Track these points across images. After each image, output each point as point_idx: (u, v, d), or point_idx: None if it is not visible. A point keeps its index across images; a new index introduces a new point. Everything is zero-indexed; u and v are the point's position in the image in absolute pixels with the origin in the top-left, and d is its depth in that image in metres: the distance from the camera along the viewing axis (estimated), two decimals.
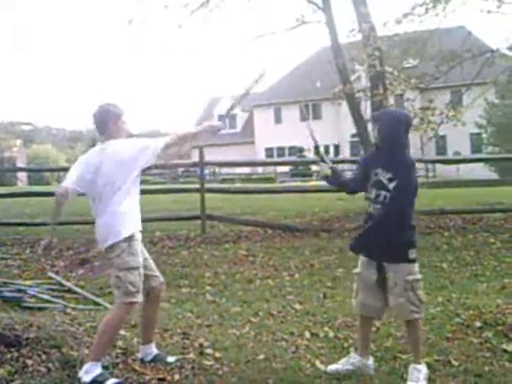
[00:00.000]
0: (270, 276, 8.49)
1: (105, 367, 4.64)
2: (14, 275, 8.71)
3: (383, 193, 4.59)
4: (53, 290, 7.67)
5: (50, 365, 4.69)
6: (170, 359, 4.98)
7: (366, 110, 15.61)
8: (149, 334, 5.08)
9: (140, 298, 4.72)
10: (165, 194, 15.60)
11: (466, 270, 8.59)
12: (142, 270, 4.75)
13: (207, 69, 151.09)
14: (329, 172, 5.07)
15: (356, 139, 23.28)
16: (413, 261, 4.60)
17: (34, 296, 7.18)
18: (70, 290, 7.71)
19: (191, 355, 5.13)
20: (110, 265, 4.77)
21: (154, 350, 5.03)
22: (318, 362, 5.03)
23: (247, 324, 6.13)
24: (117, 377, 4.59)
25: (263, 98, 51.59)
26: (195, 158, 11.62)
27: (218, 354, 5.16)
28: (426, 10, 13.67)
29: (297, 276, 8.47)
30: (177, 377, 4.68)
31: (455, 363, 4.95)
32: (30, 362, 4.69)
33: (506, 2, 14.01)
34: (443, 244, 10.22)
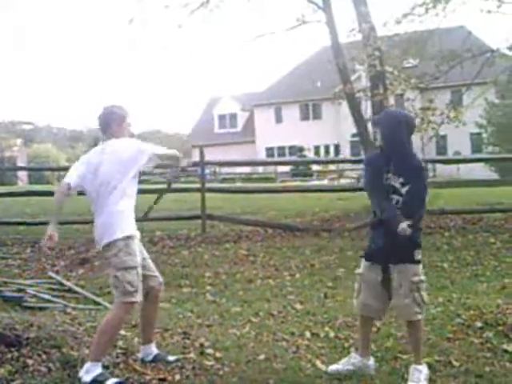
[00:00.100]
0: (271, 276, 8.48)
1: (105, 367, 4.64)
2: (15, 275, 8.71)
3: (396, 197, 4.58)
4: (53, 289, 7.67)
5: (51, 364, 4.68)
6: (171, 358, 4.98)
7: (367, 109, 15.61)
8: (149, 333, 5.07)
9: (139, 297, 4.71)
10: (165, 193, 15.60)
11: (466, 270, 8.59)
12: (140, 270, 4.74)
13: (207, 69, 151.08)
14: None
15: (356, 139, 23.26)
16: (418, 262, 4.61)
17: (34, 296, 7.17)
18: (70, 290, 7.71)
19: (192, 355, 5.12)
20: (108, 264, 4.77)
21: (154, 349, 5.03)
22: (318, 362, 5.03)
23: (248, 324, 6.12)
24: (117, 377, 4.59)
25: (263, 97, 51.63)
26: (196, 157, 11.60)
27: (218, 354, 5.16)
28: (426, 9, 13.66)
29: (297, 276, 8.47)
30: (177, 377, 4.68)
31: (456, 363, 4.95)
32: (30, 361, 4.69)
33: (506, 1, 14.01)
34: (443, 244, 10.22)
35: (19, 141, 56.89)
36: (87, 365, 4.51)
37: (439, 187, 16.12)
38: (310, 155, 46.64)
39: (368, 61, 13.81)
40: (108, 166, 4.73)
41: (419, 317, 4.61)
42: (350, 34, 14.70)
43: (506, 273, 8.28)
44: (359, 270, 4.85)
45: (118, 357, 4.99)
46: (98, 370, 4.48)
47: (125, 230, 4.69)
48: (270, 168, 42.01)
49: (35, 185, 33.14)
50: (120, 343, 5.25)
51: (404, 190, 4.55)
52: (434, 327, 5.83)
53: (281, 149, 50.50)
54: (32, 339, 4.97)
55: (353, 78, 18.50)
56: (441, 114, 14.41)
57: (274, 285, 7.99)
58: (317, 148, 49.08)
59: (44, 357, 4.78)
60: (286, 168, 41.89)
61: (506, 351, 5.25)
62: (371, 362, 4.85)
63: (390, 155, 4.59)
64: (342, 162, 33.24)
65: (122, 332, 5.44)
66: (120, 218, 4.70)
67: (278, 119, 51.52)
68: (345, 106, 17.50)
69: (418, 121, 13.66)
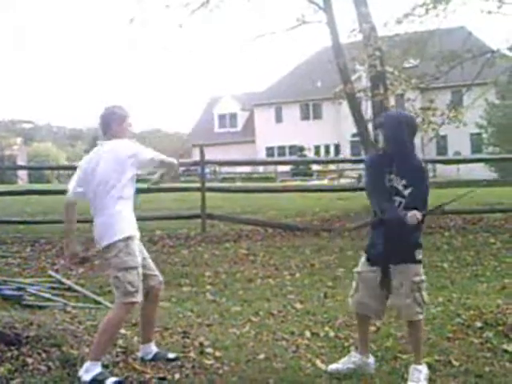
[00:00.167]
0: (271, 275, 8.48)
1: (105, 366, 4.64)
2: (15, 273, 8.70)
3: (398, 199, 4.58)
4: (53, 288, 7.67)
5: (50, 363, 4.68)
6: (171, 356, 4.99)
7: (367, 109, 15.60)
8: (148, 333, 5.08)
9: (140, 297, 4.71)
10: (165, 192, 15.62)
11: (466, 270, 8.59)
12: (140, 270, 4.74)
13: (207, 68, 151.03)
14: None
15: (356, 139, 23.26)
16: (419, 261, 4.62)
17: (34, 294, 7.17)
18: (70, 289, 7.71)
19: (191, 354, 5.12)
20: (109, 265, 4.77)
21: (153, 348, 5.03)
22: (318, 362, 5.03)
23: (248, 323, 6.12)
24: (117, 376, 4.58)
25: (264, 97, 51.67)
26: (196, 156, 11.60)
27: (218, 353, 5.16)
28: (427, 10, 13.67)
29: (297, 275, 8.47)
30: (177, 376, 4.68)
31: (456, 363, 4.95)
32: (30, 360, 4.69)
33: (507, 2, 14.01)
34: (444, 244, 10.22)
35: (19, 139, 56.89)
36: (87, 364, 4.51)
37: (440, 187, 16.11)
38: (310, 155, 46.67)
39: (368, 61, 13.81)
40: (105, 165, 4.73)
41: (420, 317, 4.61)
42: (350, 35, 14.71)
43: (505, 273, 8.28)
44: (357, 269, 4.86)
45: (117, 356, 4.99)
46: (97, 369, 4.48)
47: (124, 231, 4.69)
48: (270, 168, 42.03)
49: (35, 184, 33.12)
50: (120, 342, 5.25)
51: (407, 192, 4.55)
52: (434, 327, 5.83)
53: (281, 148, 50.54)
54: (32, 338, 4.96)
55: (353, 78, 18.49)
56: (441, 114, 14.42)
57: (273, 284, 7.99)
58: (317, 148, 49.11)
59: (44, 355, 4.78)
60: (286, 168, 41.92)
61: (505, 351, 5.24)
62: (371, 360, 4.85)
63: (393, 157, 4.58)
64: (342, 161, 33.26)
65: (122, 331, 5.44)
66: (119, 219, 4.70)
67: (279, 119, 51.55)
68: (345, 106, 17.50)
69: (418, 121, 13.67)
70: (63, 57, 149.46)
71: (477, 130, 37.27)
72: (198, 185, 12.45)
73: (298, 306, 6.79)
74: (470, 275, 8.29)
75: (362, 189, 9.24)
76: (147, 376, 4.63)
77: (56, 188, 15.67)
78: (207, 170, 33.76)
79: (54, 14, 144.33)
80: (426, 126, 14.00)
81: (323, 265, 9.04)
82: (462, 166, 32.35)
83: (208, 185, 13.31)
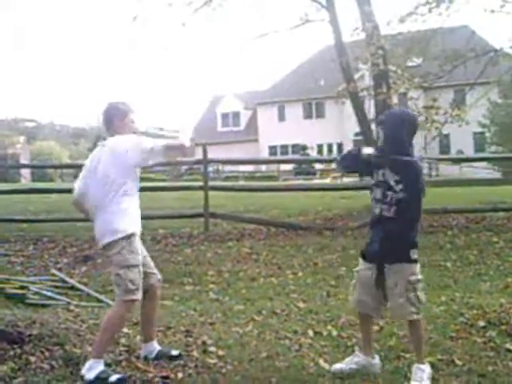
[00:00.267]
0: (274, 274, 8.48)
1: (107, 365, 4.64)
2: (17, 272, 8.71)
3: (390, 194, 4.58)
4: (56, 286, 7.67)
5: (53, 362, 4.69)
6: (174, 352, 4.99)
7: (370, 108, 15.61)
8: (149, 331, 5.07)
9: (140, 295, 4.72)
10: (168, 191, 15.64)
11: (469, 269, 8.58)
12: (141, 268, 4.75)
13: (210, 67, 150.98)
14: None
15: (359, 138, 23.25)
16: (415, 261, 4.60)
17: (37, 293, 7.17)
18: (73, 287, 7.71)
19: (194, 353, 5.12)
20: (110, 262, 4.77)
21: (156, 346, 5.03)
22: (321, 361, 5.02)
23: (250, 322, 6.12)
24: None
25: (267, 96, 51.66)
26: (199, 155, 11.59)
27: (221, 352, 5.16)
28: (430, 9, 13.65)
29: (300, 274, 8.47)
30: (180, 375, 4.67)
31: (459, 363, 4.94)
32: (32, 358, 4.70)
33: (510, 1, 13.97)
34: (446, 243, 10.21)
35: (22, 138, 56.88)
36: (89, 362, 4.52)
37: (441, 186, 16.12)
38: (313, 154, 46.63)
39: (371, 60, 13.81)
40: (105, 161, 4.73)
41: (414, 316, 4.58)
42: (353, 33, 14.71)
43: (509, 272, 8.27)
44: (357, 268, 4.87)
45: (120, 354, 5.00)
46: (100, 367, 4.49)
47: (127, 229, 4.68)
48: (273, 166, 42.02)
49: (38, 182, 33.16)
50: (122, 341, 5.26)
51: (398, 188, 4.55)
52: (437, 326, 5.82)
53: (284, 147, 50.52)
54: (35, 336, 4.98)
55: (356, 76, 18.49)
56: (444, 113, 14.40)
57: (276, 283, 7.99)
58: (320, 147, 49.09)
59: (47, 354, 4.79)
60: (289, 166, 41.89)
61: (509, 350, 5.23)
62: (376, 360, 4.84)
63: (390, 153, 4.59)
64: None
65: (125, 330, 5.45)
66: (122, 216, 4.69)
67: (281, 118, 51.55)
68: (348, 105, 17.53)
69: (421, 120, 13.67)
70: (65, 56, 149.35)
71: (480, 129, 37.25)
72: (200, 183, 12.45)
73: (301, 304, 6.79)
74: (473, 274, 8.29)
75: (365, 187, 9.22)
76: (150, 375, 4.63)
77: (59, 187, 15.68)
78: (210, 169, 33.74)
79: (54, 14, 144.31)
80: (429, 125, 13.99)
81: (326, 264, 9.04)
82: (464, 165, 32.30)
83: (211, 183, 13.32)
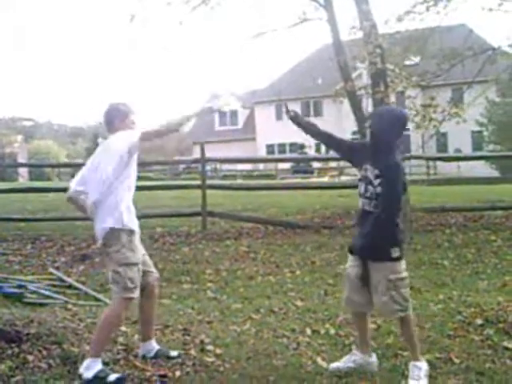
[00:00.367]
0: (271, 273, 8.49)
1: (105, 363, 4.64)
2: (15, 271, 8.72)
3: (370, 188, 4.59)
4: (54, 285, 7.67)
5: (51, 361, 4.69)
6: (173, 353, 4.99)
7: (368, 107, 15.56)
8: (148, 330, 5.07)
9: (137, 294, 4.73)
10: (166, 190, 15.64)
11: (467, 267, 8.59)
12: (140, 267, 4.75)
13: (207, 66, 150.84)
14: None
15: (357, 136, 23.25)
16: (396, 259, 4.56)
17: (34, 292, 7.17)
18: (70, 286, 7.71)
19: (192, 351, 5.13)
20: (110, 259, 4.76)
21: (154, 345, 5.03)
22: (319, 359, 5.03)
23: (248, 321, 6.13)
24: (117, 373, 4.59)
25: (264, 94, 51.61)
26: (197, 154, 11.60)
27: (218, 351, 5.16)
28: (427, 8, 13.64)
29: (298, 273, 8.47)
30: (178, 373, 4.68)
31: (456, 361, 4.95)
32: (30, 357, 4.70)
33: None
34: (444, 241, 10.23)
35: (20, 137, 56.82)
36: (87, 361, 4.52)
37: (439, 184, 16.13)
38: (311, 152, 46.62)
39: (369, 58, 13.77)
40: (103, 157, 4.75)
41: (401, 314, 4.58)
42: (351, 32, 14.65)
43: (506, 270, 8.28)
44: (346, 265, 4.89)
45: (118, 353, 4.99)
46: (98, 365, 4.49)
47: (127, 222, 4.68)
48: (271, 165, 42.00)
49: (36, 181, 33.15)
50: (120, 339, 5.26)
51: (376, 182, 4.55)
52: (435, 324, 5.83)
53: (281, 146, 50.53)
54: (32, 335, 4.97)
55: (354, 75, 18.43)
56: (442, 111, 14.40)
57: (274, 282, 7.99)
58: (317, 145, 49.01)
59: (44, 353, 4.79)
60: (287, 165, 41.87)
61: (506, 348, 5.24)
62: (373, 358, 4.84)
63: (374, 148, 4.61)
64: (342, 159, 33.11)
65: (123, 328, 5.46)
66: (121, 210, 4.68)
67: (279, 116, 51.44)
68: (346, 104, 17.46)
69: (419, 118, 13.68)
70: (64, 55, 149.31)
71: (478, 128, 37.27)
72: (198, 182, 12.45)
73: (299, 303, 6.79)
74: (471, 273, 8.30)
75: None
76: (148, 373, 4.63)
77: (57, 185, 15.67)
78: (208, 168, 33.79)
79: (54, 14, 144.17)
80: (426, 123, 13.98)
81: (324, 262, 9.05)
82: (462, 164, 32.31)
83: (209, 182, 13.32)
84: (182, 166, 42.16)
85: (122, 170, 4.70)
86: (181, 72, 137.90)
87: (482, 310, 6.13)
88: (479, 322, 5.84)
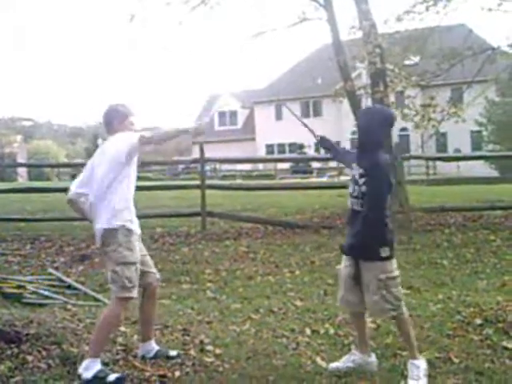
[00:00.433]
0: (271, 273, 8.49)
1: (105, 364, 4.64)
2: (14, 271, 8.72)
3: (356, 188, 4.60)
4: (53, 286, 7.67)
5: (50, 361, 4.69)
6: (172, 353, 4.99)
7: None
8: (147, 330, 5.07)
9: (135, 293, 4.72)
10: (165, 190, 15.64)
11: (466, 267, 8.59)
12: (138, 266, 4.74)
13: (207, 66, 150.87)
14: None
15: (356, 136, 23.25)
16: (386, 259, 4.54)
17: (34, 292, 7.17)
18: (70, 286, 7.71)
19: (192, 352, 5.12)
20: (109, 258, 4.76)
21: (154, 346, 5.03)
22: (318, 359, 5.02)
23: (248, 321, 6.12)
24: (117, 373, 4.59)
25: (264, 94, 51.61)
26: (196, 154, 11.61)
27: (218, 351, 5.16)
28: (427, 7, 13.65)
29: (297, 273, 8.47)
30: (177, 373, 4.68)
31: (456, 360, 4.95)
32: (30, 358, 4.69)
33: None
34: (443, 241, 10.23)
35: (19, 137, 56.88)
36: (86, 361, 4.51)
37: (439, 184, 16.14)
38: (310, 152, 46.62)
39: (368, 58, 13.78)
40: (100, 161, 4.76)
41: (393, 313, 4.57)
42: (350, 32, 14.65)
43: (505, 270, 8.28)
44: (340, 265, 4.89)
45: (117, 353, 4.99)
46: (97, 366, 4.49)
47: (126, 220, 4.68)
48: (270, 165, 41.99)
49: (35, 181, 33.15)
50: (120, 340, 5.26)
51: (361, 182, 4.55)
52: (434, 324, 5.83)
53: (281, 146, 50.55)
54: (32, 335, 4.97)
55: (353, 75, 18.45)
56: (441, 111, 14.40)
57: (274, 282, 7.99)
58: (317, 145, 49.06)
59: (44, 353, 4.78)
60: (286, 165, 41.87)
61: (505, 348, 5.24)
62: (373, 358, 4.84)
63: (360, 147, 4.63)
64: None
65: (122, 328, 5.46)
66: (120, 209, 4.68)
67: (279, 116, 51.49)
68: (346, 104, 17.47)
69: (418, 118, 13.70)
70: (64, 56, 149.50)
71: (477, 128, 37.27)
72: (198, 182, 12.45)
73: (298, 303, 6.79)
74: (470, 272, 8.30)
75: None
76: (147, 374, 4.63)
77: (56, 186, 15.67)
78: (207, 168, 33.81)
79: (54, 14, 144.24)
80: (426, 123, 13.99)
81: (323, 262, 9.04)
82: (462, 164, 32.31)
83: (208, 182, 13.32)
84: (181, 166, 42.17)
85: (120, 171, 4.70)
86: (181, 72, 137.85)
87: (481, 309, 6.13)
88: (478, 321, 5.84)
